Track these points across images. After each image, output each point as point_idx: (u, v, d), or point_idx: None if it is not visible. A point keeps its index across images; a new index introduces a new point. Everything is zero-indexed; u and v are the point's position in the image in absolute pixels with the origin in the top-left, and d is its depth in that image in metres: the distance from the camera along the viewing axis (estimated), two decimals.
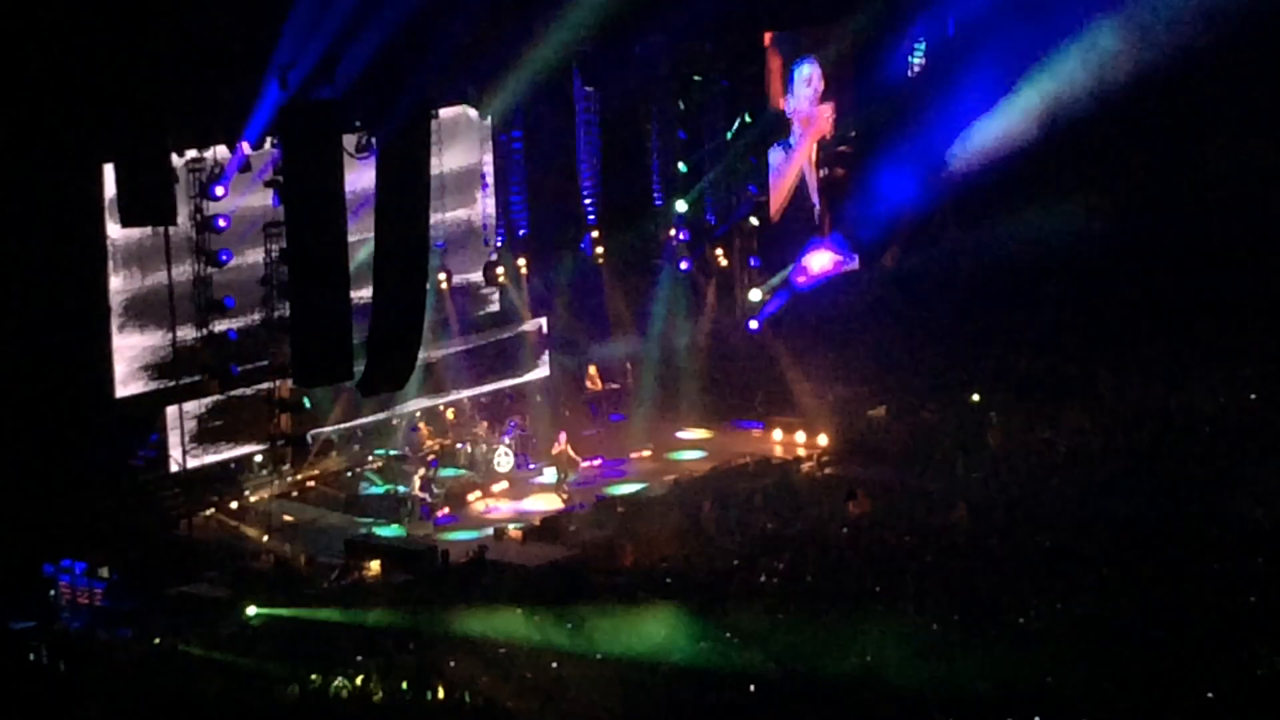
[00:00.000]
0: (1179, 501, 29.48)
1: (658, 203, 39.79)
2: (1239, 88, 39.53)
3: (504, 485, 33.68)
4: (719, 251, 40.38)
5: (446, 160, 35.00)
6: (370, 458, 34.06)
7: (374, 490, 33.20)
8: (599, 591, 26.59)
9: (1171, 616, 23.83)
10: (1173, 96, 39.27)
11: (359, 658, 23.77)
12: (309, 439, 32.91)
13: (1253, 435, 33.02)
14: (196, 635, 25.75)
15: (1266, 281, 38.56)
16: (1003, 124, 38.97)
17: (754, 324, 40.20)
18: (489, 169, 36.69)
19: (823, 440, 35.52)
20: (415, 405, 34.95)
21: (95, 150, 29.23)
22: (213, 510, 32.01)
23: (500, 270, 36.79)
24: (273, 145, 30.69)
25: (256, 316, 32.16)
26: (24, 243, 28.85)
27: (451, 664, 23.39)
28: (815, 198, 40.79)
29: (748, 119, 39.99)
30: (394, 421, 34.84)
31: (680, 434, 36.95)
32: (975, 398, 36.32)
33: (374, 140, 31.12)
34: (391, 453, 34.04)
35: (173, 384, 31.17)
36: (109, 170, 29.44)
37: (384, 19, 29.72)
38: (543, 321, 37.74)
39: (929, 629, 24.00)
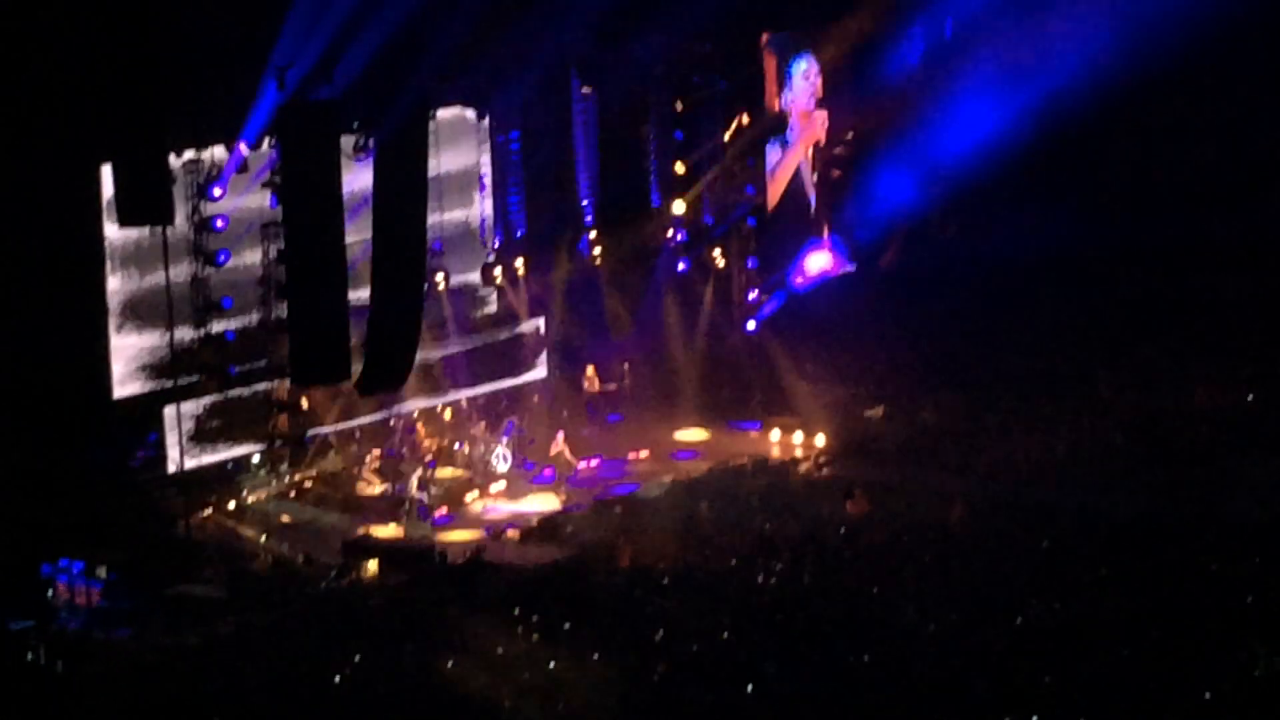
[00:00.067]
0: (1177, 501, 29.52)
1: (655, 204, 39.82)
2: (1238, 87, 39.54)
3: (501, 486, 33.66)
4: (716, 252, 40.41)
5: (444, 161, 35.01)
6: (368, 458, 34.04)
7: (372, 490, 33.20)
8: (596, 592, 26.62)
9: (1170, 616, 23.83)
10: (1171, 96, 39.28)
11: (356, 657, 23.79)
12: (307, 439, 32.90)
13: (1251, 435, 33.03)
14: (194, 635, 25.77)
15: (1265, 281, 38.59)
16: (1000, 125, 38.97)
17: (751, 324, 40.23)
18: (487, 170, 36.71)
19: (820, 440, 35.52)
20: (413, 406, 34.96)
21: (93, 150, 29.22)
22: (211, 510, 32.00)
23: (498, 271, 36.82)
24: (271, 146, 30.68)
25: (254, 317, 32.16)
26: (22, 243, 28.84)
27: (450, 664, 23.39)
28: (812, 200, 40.80)
29: (745, 120, 40.01)
30: (392, 422, 34.85)
31: (678, 434, 36.94)
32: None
33: (372, 141, 31.11)
34: (389, 453, 34.02)
35: (170, 384, 31.14)
36: (107, 170, 29.43)
37: (382, 20, 29.71)
38: (540, 322, 37.76)
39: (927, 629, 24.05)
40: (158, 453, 31.48)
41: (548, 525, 31.19)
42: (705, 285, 40.25)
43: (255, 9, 29.57)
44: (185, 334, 31.13)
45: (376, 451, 33.97)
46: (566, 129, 38.04)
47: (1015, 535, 28.29)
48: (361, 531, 31.03)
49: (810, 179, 40.61)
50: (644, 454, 35.58)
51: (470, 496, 33.16)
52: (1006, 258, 39.65)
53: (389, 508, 32.11)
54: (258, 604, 27.40)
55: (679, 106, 39.50)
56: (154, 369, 31.24)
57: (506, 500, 33.26)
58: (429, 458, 33.28)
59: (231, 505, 32.24)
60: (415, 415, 34.96)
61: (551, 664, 23.19)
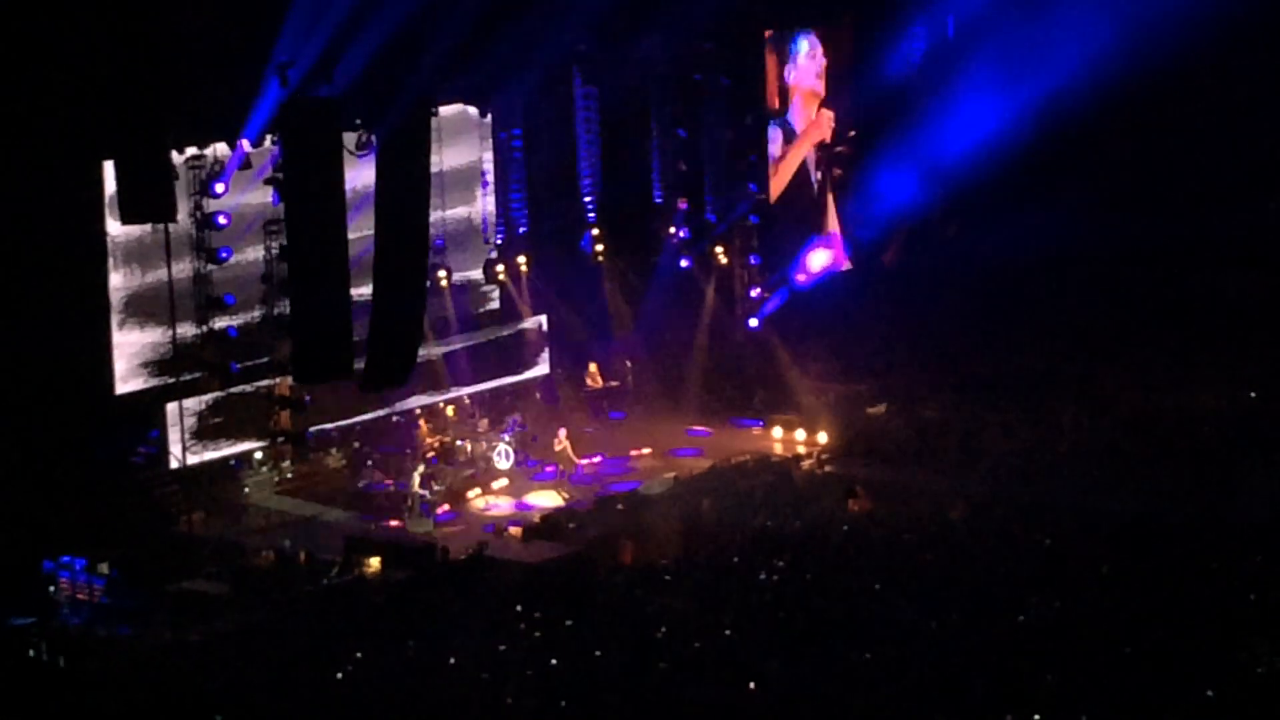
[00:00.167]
0: (1178, 500, 29.53)
1: (657, 201, 39.83)
2: (1238, 86, 39.55)
3: (504, 482, 33.67)
4: (719, 250, 40.40)
5: (446, 158, 35.06)
6: (370, 455, 34.06)
7: (374, 487, 33.21)
8: (598, 589, 26.64)
9: (1171, 615, 23.84)
10: (1172, 95, 39.29)
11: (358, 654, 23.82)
12: (309, 436, 32.92)
13: (1252, 434, 33.03)
14: (197, 632, 25.79)
15: (1267, 280, 38.60)
16: (1001, 124, 38.99)
17: (754, 322, 40.23)
18: (489, 167, 36.74)
19: (822, 438, 35.52)
20: (415, 402, 34.99)
21: (95, 147, 29.24)
22: (213, 507, 32.01)
23: (500, 268, 36.85)
24: (273, 143, 30.72)
25: (256, 314, 32.21)
26: (24, 239, 28.88)
27: (452, 660, 23.41)
28: (818, 197, 40.79)
29: (747, 118, 40.01)
30: (394, 419, 34.87)
31: (680, 431, 36.94)
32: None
33: (374, 138, 31.11)
34: (392, 450, 34.04)
35: (173, 381, 31.17)
36: (109, 167, 29.42)
37: (384, 16, 29.72)
38: (543, 319, 37.79)
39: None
40: (160, 449, 31.51)
41: (550, 522, 31.20)
42: (707, 282, 40.26)
43: (257, 6, 29.60)
44: (187, 331, 31.16)
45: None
46: (569, 126, 38.07)
47: (1016, 533, 28.31)
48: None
49: (815, 176, 40.59)
50: (646, 451, 35.58)
51: (473, 493, 33.16)
52: (1008, 256, 39.66)
53: (392, 504, 32.13)
54: (260, 600, 27.42)
55: (681, 104, 39.49)
56: (156, 365, 31.29)
57: (509, 497, 33.26)
58: (431, 454, 33.29)
59: (234, 502, 32.24)
60: (417, 412, 34.97)
61: (553, 661, 23.21)
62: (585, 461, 34.20)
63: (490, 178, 36.67)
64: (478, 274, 36.86)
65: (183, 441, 31.44)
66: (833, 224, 40.97)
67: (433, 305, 34.16)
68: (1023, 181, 39.56)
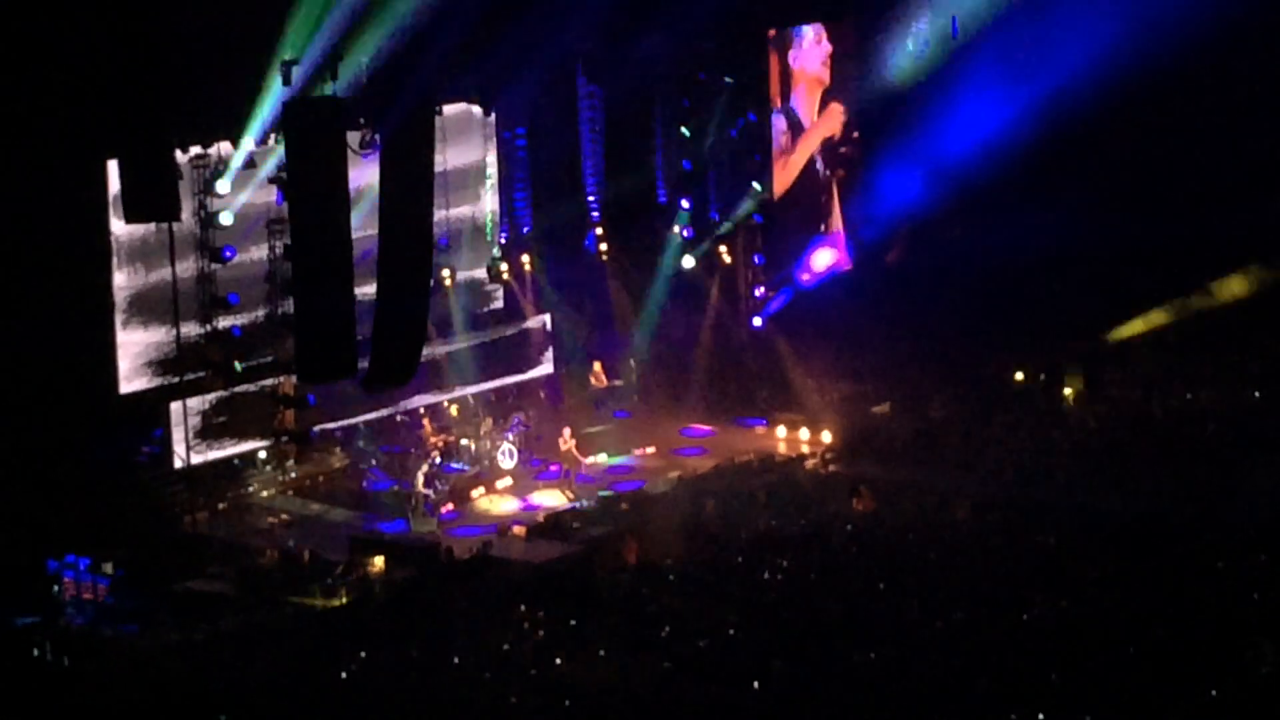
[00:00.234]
0: (1182, 499, 29.49)
1: (662, 200, 39.82)
2: (1242, 85, 39.48)
3: (508, 482, 33.67)
4: (723, 249, 40.40)
5: (450, 157, 35.07)
6: (374, 454, 34.08)
7: (378, 487, 33.24)
8: (602, 588, 26.64)
9: (1175, 614, 23.82)
10: (1175, 95, 39.22)
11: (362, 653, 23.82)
12: (313, 435, 32.92)
13: (1256, 433, 33.00)
14: (201, 631, 25.80)
15: (1270, 279, 38.53)
16: (1005, 123, 38.94)
17: (758, 321, 40.23)
18: (493, 166, 36.74)
19: (827, 437, 35.51)
20: (419, 401, 35.00)
21: (99, 146, 29.26)
22: (217, 506, 32.03)
23: (504, 267, 36.85)
24: (277, 142, 30.71)
25: (260, 313, 32.24)
26: (28, 239, 28.89)
27: (456, 660, 23.41)
28: (821, 195, 40.76)
29: (751, 116, 40.01)
30: (398, 418, 34.88)
31: (684, 431, 36.94)
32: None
33: (378, 136, 31.11)
34: (395, 449, 34.06)
35: (177, 380, 31.21)
36: (113, 166, 29.46)
37: (388, 15, 29.73)
38: (546, 318, 37.81)
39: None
40: (164, 449, 31.53)
41: (554, 521, 31.20)
42: (712, 281, 40.25)
43: (261, 5, 29.59)
44: (191, 330, 31.21)
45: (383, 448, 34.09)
46: (573, 125, 38.10)
47: (1021, 533, 28.29)
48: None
49: (824, 174, 40.53)
50: (650, 450, 35.57)
51: (477, 492, 33.16)
52: (1013, 255, 39.61)
53: (395, 504, 32.15)
54: (264, 600, 27.42)
55: (685, 103, 39.50)
56: (160, 365, 31.31)
57: (513, 496, 33.25)
58: (435, 454, 33.29)
59: (238, 501, 32.26)
60: (421, 411, 34.98)
61: (557, 661, 23.20)
62: (589, 461, 34.19)
63: (494, 177, 36.67)
64: (482, 273, 36.88)
65: (187, 441, 31.48)
66: (837, 224, 40.93)
67: (437, 304, 34.20)
68: (1026, 181, 39.47)
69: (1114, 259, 40.01)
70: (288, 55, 29.00)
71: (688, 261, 39.58)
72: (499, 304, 37.41)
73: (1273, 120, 39.07)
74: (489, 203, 36.90)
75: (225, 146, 30.84)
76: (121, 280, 30.82)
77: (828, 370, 38.57)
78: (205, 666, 24.24)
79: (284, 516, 31.91)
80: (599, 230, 38.60)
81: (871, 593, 25.63)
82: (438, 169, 32.38)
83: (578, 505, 32.22)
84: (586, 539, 30.10)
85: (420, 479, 32.04)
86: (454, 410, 35.61)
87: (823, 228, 40.81)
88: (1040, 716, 20.96)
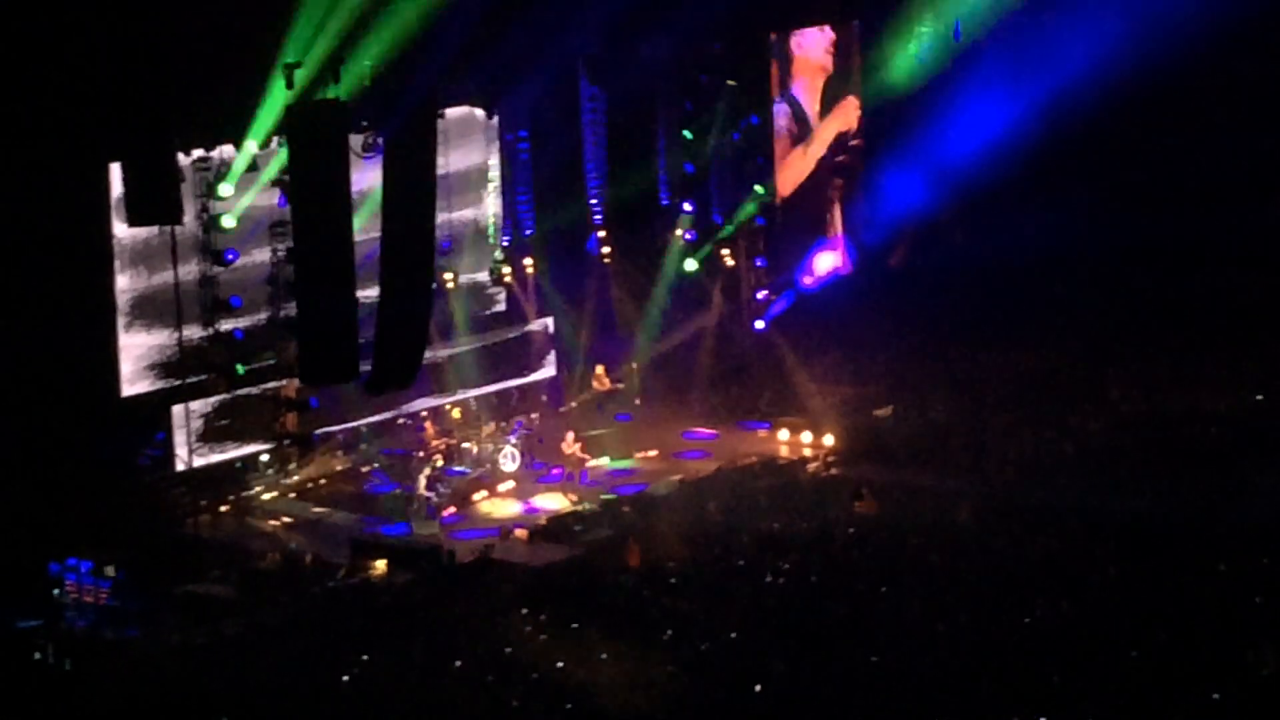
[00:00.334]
0: (1185, 502, 29.47)
1: (664, 203, 39.82)
2: (1246, 86, 39.52)
3: (510, 485, 33.66)
4: (725, 251, 40.38)
5: (453, 160, 35.06)
6: (376, 457, 34.08)
7: (380, 489, 33.24)
8: (605, 591, 26.63)
9: (1177, 617, 23.81)
10: (1178, 96, 39.26)
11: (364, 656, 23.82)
12: (315, 438, 32.92)
13: (1260, 435, 32.98)
14: (203, 634, 25.80)
15: (1275, 281, 38.56)
16: (1008, 125, 38.97)
17: (760, 324, 40.22)
18: (495, 169, 36.73)
19: (829, 440, 35.47)
20: (421, 404, 34.99)
21: (102, 149, 29.25)
22: (220, 509, 32.03)
23: (506, 270, 36.84)
24: (279, 145, 30.71)
25: (263, 316, 32.22)
26: (31, 242, 28.87)
27: (458, 663, 23.41)
28: (825, 199, 40.79)
29: (754, 119, 40.01)
30: (400, 421, 34.88)
31: (686, 434, 36.93)
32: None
33: (380, 139, 31.13)
34: (398, 452, 34.06)
35: (179, 383, 31.20)
36: (116, 169, 29.50)
37: (390, 18, 29.74)
38: (549, 321, 37.80)
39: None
40: (166, 451, 31.54)
41: (556, 524, 31.19)
42: (714, 284, 40.24)
43: (264, 8, 29.59)
44: (194, 333, 31.18)
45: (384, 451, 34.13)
46: (575, 128, 38.06)
47: (1023, 536, 28.27)
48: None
49: (825, 176, 40.53)
50: (652, 453, 35.56)
51: (479, 496, 33.14)
52: (1015, 258, 39.66)
53: (397, 507, 32.15)
54: (266, 603, 27.42)
55: (688, 105, 39.50)
56: (162, 368, 31.30)
57: (515, 499, 33.23)
58: (437, 457, 33.29)
59: (240, 504, 32.26)
60: (423, 414, 34.97)
61: (559, 664, 23.20)
62: (592, 464, 34.17)
63: (496, 179, 36.67)
64: (484, 276, 36.86)
65: (189, 443, 31.49)
66: (838, 227, 40.93)
67: (439, 307, 34.19)
68: (1028, 183, 39.55)
69: (1116, 260, 40.09)
70: (290, 58, 29.02)
71: (690, 264, 39.57)
72: (501, 307, 37.39)
73: (1275, 121, 39.11)
74: (491, 205, 36.89)
75: (228, 149, 30.83)
76: (124, 283, 30.81)
77: (830, 373, 38.56)
78: (207, 669, 24.26)
79: (286, 519, 31.92)
80: (601, 233, 38.58)
81: (874, 595, 25.63)
82: (440, 172, 32.37)
83: (580, 508, 32.19)
84: (588, 542, 30.09)
85: (422, 482, 32.04)
86: (456, 413, 35.59)
87: (825, 231, 40.83)
88: (1042, 719, 20.96)
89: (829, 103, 40.41)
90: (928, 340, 40.06)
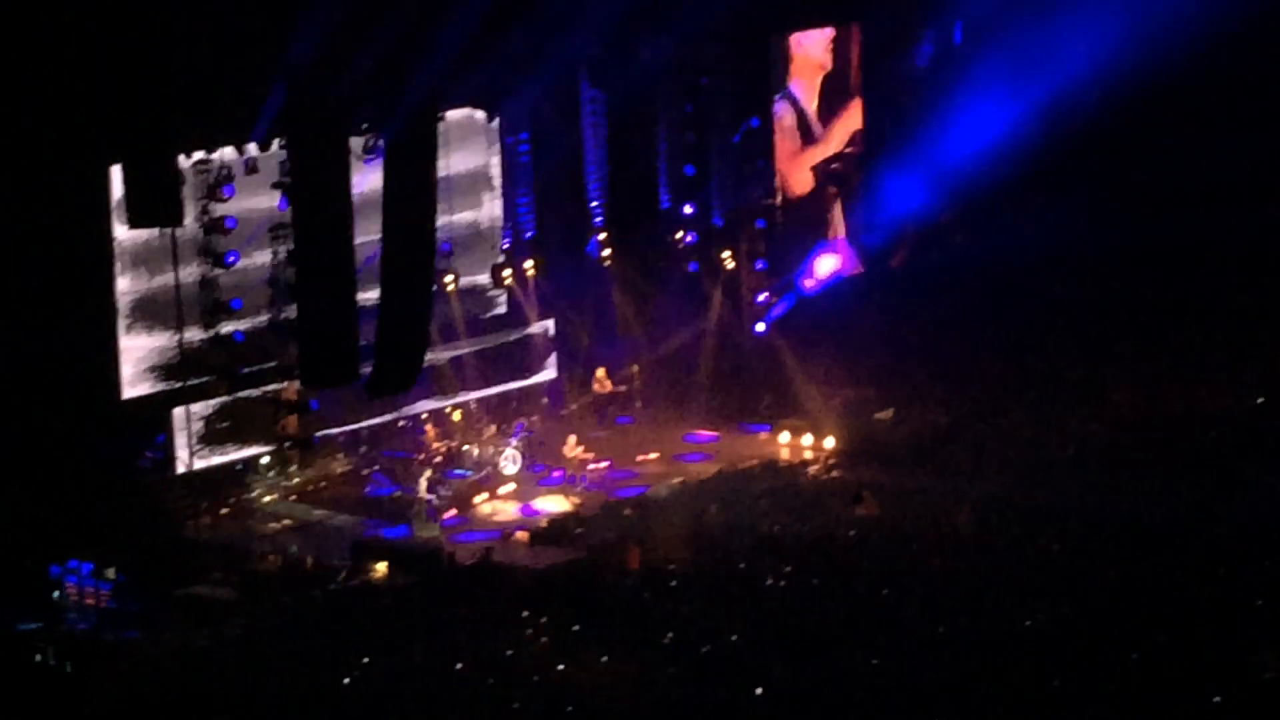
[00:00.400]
0: (1186, 505, 29.46)
1: (665, 205, 39.79)
2: (1247, 88, 39.50)
3: (511, 487, 33.64)
4: (726, 254, 40.34)
5: (453, 162, 35.00)
6: (377, 459, 34.06)
7: (381, 492, 33.23)
8: (605, 594, 26.62)
9: (1178, 620, 23.80)
10: (1180, 98, 39.24)
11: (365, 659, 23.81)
12: (315, 441, 32.90)
13: (1260, 438, 32.97)
14: (204, 637, 25.79)
15: (1274, 282, 38.53)
16: (1009, 126, 38.95)
17: (761, 326, 40.19)
18: (496, 171, 36.70)
19: (830, 443, 35.45)
20: (422, 407, 34.96)
21: (103, 151, 29.25)
22: (220, 512, 32.02)
23: (507, 272, 36.81)
24: (280, 147, 30.70)
25: (263, 318, 32.19)
26: (31, 244, 28.86)
27: (459, 666, 23.39)
28: (826, 201, 40.77)
29: (755, 121, 39.99)
30: (401, 423, 34.86)
31: (687, 437, 36.91)
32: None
33: (381, 142, 31.13)
34: (398, 454, 34.04)
35: (179, 385, 31.18)
36: (116, 171, 29.50)
37: (391, 20, 29.72)
38: (550, 324, 37.75)
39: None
40: (166, 454, 31.52)
41: (557, 527, 31.18)
42: (715, 287, 40.20)
43: (265, 10, 29.58)
44: (194, 335, 31.17)
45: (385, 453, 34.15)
46: (576, 130, 38.00)
47: (1024, 539, 28.27)
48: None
49: (826, 178, 40.51)
50: (653, 456, 35.54)
51: (480, 498, 33.12)
52: (1016, 259, 39.63)
53: (398, 509, 32.14)
54: (267, 606, 27.41)
55: (689, 108, 39.47)
56: (163, 370, 31.27)
57: (516, 502, 33.22)
58: (438, 459, 33.27)
59: (240, 507, 32.24)
60: (424, 417, 34.94)
61: (560, 666, 23.19)
62: (592, 466, 34.15)
63: (497, 182, 36.64)
64: (485, 278, 36.78)
65: (189, 446, 31.47)
66: (839, 229, 40.91)
67: (439, 310, 34.14)
68: (1029, 185, 39.53)
69: (1117, 263, 40.05)
70: (291, 60, 28.98)
71: (691, 267, 39.57)
72: (502, 309, 37.32)
73: (1275, 121, 39.09)
74: (492, 208, 36.84)
75: (228, 152, 30.81)
76: (124, 285, 30.78)
77: (831, 376, 38.50)
78: (207, 672, 24.27)
79: (286, 522, 31.89)
80: (602, 235, 38.54)
81: (874, 598, 25.62)
82: (441, 174, 32.35)
83: (580, 511, 32.18)
84: (589, 545, 30.07)
85: (423, 484, 32.02)
86: (457, 416, 35.54)
87: (826, 234, 40.81)
88: None
89: (829, 104, 40.37)
90: (928, 342, 40.03)
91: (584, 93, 37.78)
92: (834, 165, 40.58)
